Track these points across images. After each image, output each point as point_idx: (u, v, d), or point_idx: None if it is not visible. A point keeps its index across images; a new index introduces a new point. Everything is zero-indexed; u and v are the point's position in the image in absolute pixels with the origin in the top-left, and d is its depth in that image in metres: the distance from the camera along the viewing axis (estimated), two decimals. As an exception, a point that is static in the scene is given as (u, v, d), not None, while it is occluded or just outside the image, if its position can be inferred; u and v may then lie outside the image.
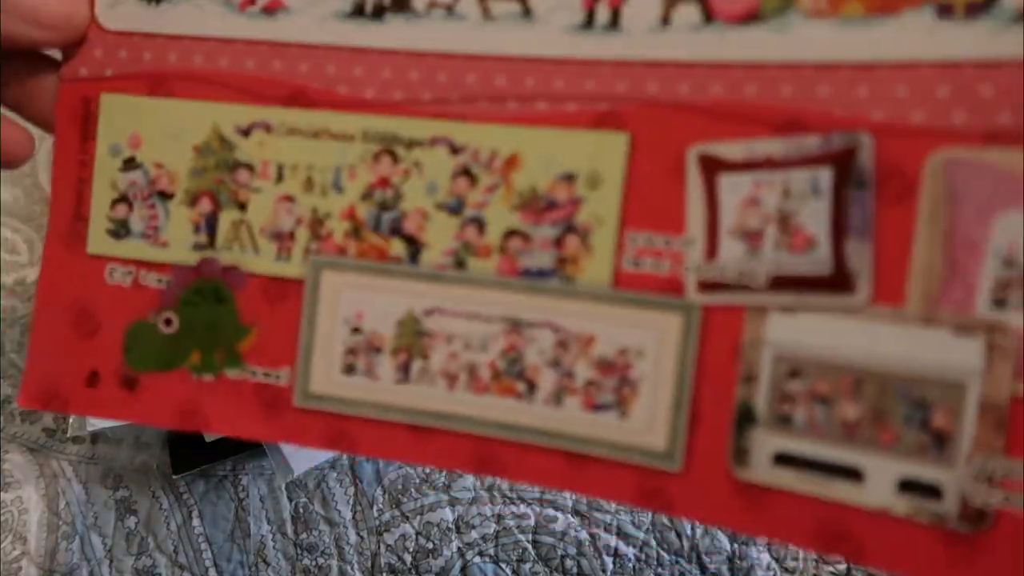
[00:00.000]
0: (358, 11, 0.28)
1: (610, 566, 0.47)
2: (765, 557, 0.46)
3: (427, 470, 0.49)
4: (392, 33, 0.28)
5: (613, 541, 0.47)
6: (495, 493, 0.48)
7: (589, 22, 0.26)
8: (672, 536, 0.47)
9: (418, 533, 0.48)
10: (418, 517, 0.48)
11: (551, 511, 0.47)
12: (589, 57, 0.26)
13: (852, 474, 0.24)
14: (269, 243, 0.28)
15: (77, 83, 0.30)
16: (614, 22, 0.26)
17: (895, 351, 0.24)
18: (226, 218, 0.29)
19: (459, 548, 0.47)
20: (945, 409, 0.23)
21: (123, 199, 0.29)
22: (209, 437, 0.46)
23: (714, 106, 0.25)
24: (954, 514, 0.23)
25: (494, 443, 0.27)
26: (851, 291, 0.24)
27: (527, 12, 0.27)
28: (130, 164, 0.29)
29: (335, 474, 0.49)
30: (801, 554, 0.47)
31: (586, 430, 0.26)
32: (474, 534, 0.48)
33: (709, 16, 0.25)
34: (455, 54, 0.27)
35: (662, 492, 0.26)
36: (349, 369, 0.28)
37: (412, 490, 0.48)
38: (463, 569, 0.47)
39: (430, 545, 0.48)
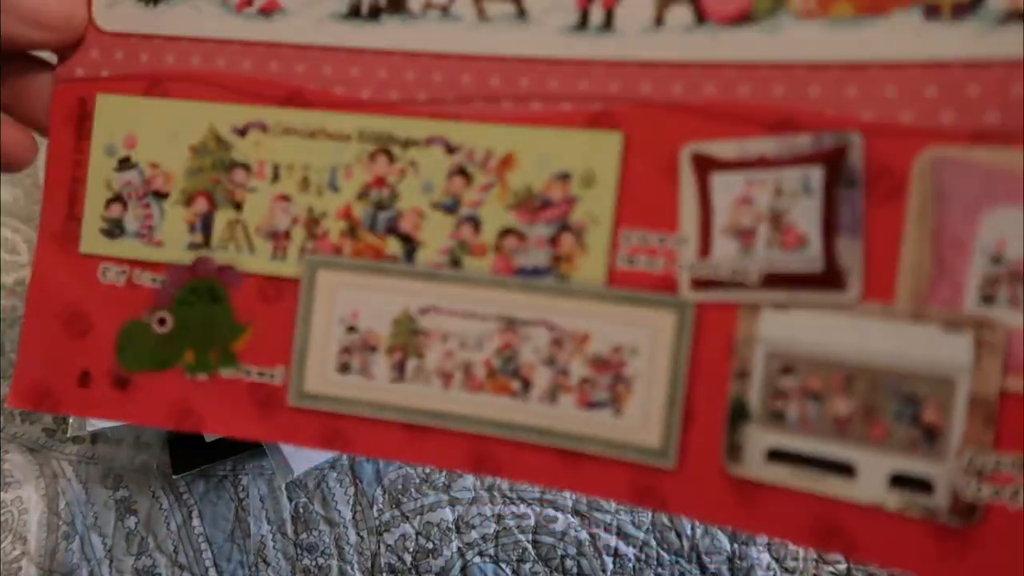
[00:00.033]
0: (354, 12, 0.28)
1: (610, 566, 0.47)
2: (765, 557, 0.46)
3: (427, 470, 0.49)
4: (388, 34, 0.28)
5: (613, 541, 0.47)
6: (495, 493, 0.48)
7: (583, 23, 0.26)
8: (672, 536, 0.47)
9: (418, 533, 0.48)
10: (418, 517, 0.48)
11: (551, 511, 0.47)
12: (583, 57, 0.26)
13: (844, 469, 0.24)
14: (265, 242, 0.28)
15: (73, 83, 0.30)
16: (608, 23, 0.26)
17: (885, 347, 0.24)
18: (222, 218, 0.29)
19: (459, 548, 0.48)
20: (935, 404, 0.24)
21: (118, 199, 0.30)
22: (209, 437, 0.46)
23: (707, 106, 0.25)
24: (945, 508, 0.24)
25: (489, 442, 0.27)
26: (842, 288, 0.24)
27: (522, 13, 0.27)
28: (125, 164, 0.29)
29: (335, 474, 0.49)
30: (801, 554, 0.47)
31: (580, 428, 0.26)
32: (474, 534, 0.48)
33: (702, 17, 0.25)
34: (450, 55, 0.27)
35: (656, 489, 0.26)
36: (344, 368, 0.28)
37: (412, 490, 0.48)
38: (463, 569, 0.47)
39: (430, 545, 0.48)
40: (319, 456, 0.46)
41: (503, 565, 0.47)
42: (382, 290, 0.28)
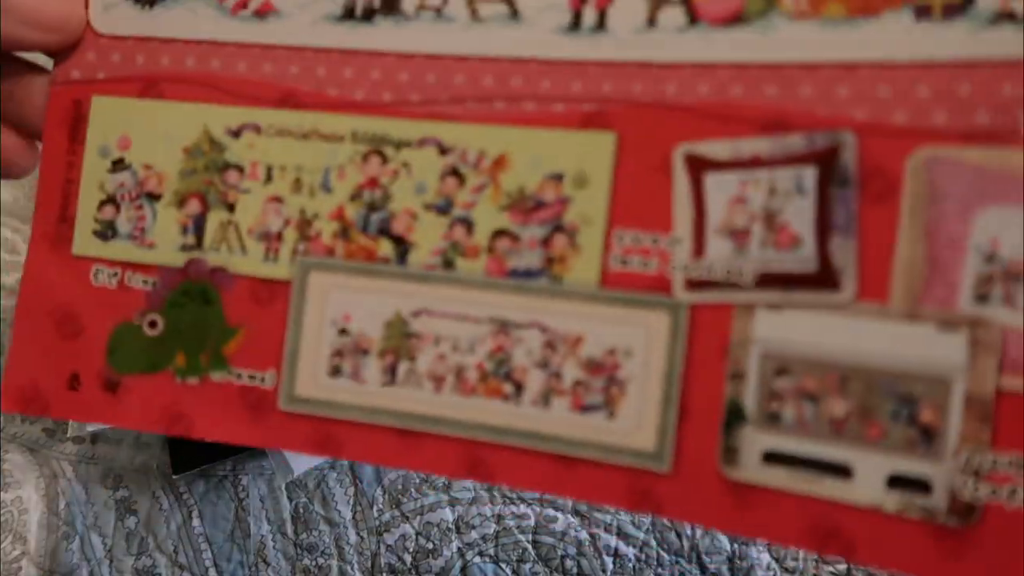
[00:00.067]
0: (348, 14, 0.28)
1: (610, 566, 0.47)
2: (765, 557, 0.46)
3: (425, 470, 0.48)
4: (382, 35, 0.28)
5: (613, 541, 0.47)
6: (495, 493, 0.48)
7: (576, 24, 0.26)
8: (672, 536, 0.47)
9: (418, 533, 0.48)
10: (418, 517, 0.48)
11: (551, 511, 0.47)
12: (576, 58, 0.26)
13: (841, 471, 0.24)
14: (257, 244, 0.28)
15: (69, 86, 0.30)
16: (600, 24, 0.26)
17: (881, 347, 0.24)
18: (214, 219, 0.29)
19: (459, 548, 0.48)
20: (931, 404, 0.24)
21: (110, 200, 0.30)
22: (208, 438, 0.46)
23: (700, 106, 0.25)
24: (943, 508, 0.23)
25: (483, 447, 0.27)
26: (836, 288, 0.24)
27: (515, 14, 0.27)
28: (119, 165, 0.29)
29: (335, 474, 0.49)
30: (801, 554, 0.46)
31: (574, 432, 0.26)
32: (474, 534, 0.48)
33: (694, 18, 0.25)
34: (444, 55, 0.27)
35: (651, 493, 0.26)
36: (335, 371, 0.28)
37: (412, 490, 0.48)
38: (463, 569, 0.47)
39: (430, 545, 0.48)
40: (319, 457, 0.46)
41: (503, 565, 0.47)
42: (374, 292, 0.28)
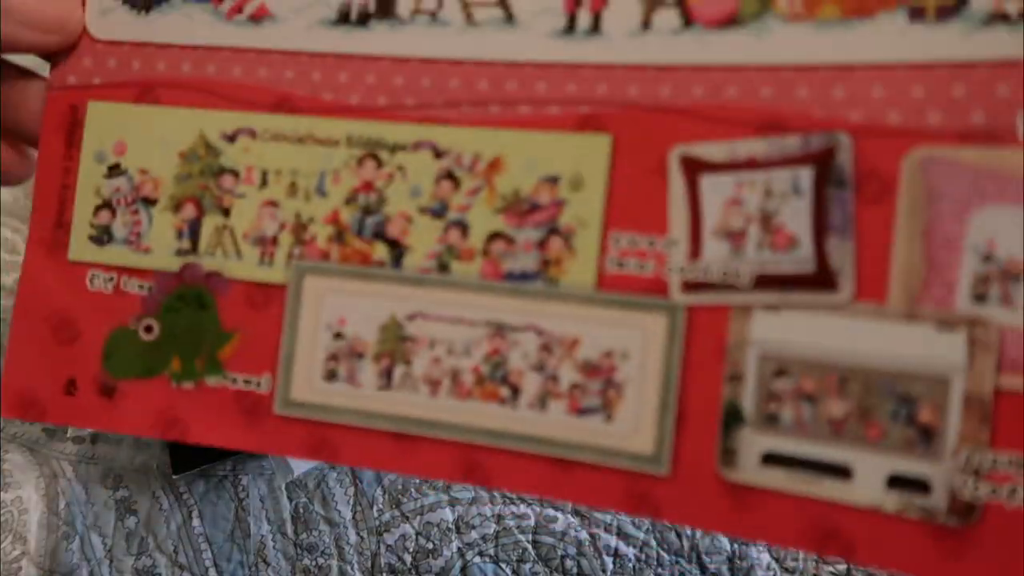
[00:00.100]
0: (343, 18, 0.28)
1: (610, 566, 0.47)
2: (765, 557, 0.46)
3: (426, 470, 0.48)
4: (377, 40, 0.28)
5: (613, 541, 0.47)
6: (495, 493, 0.48)
7: (571, 27, 0.26)
8: (672, 536, 0.47)
9: (418, 533, 0.48)
10: (418, 517, 0.48)
11: (551, 511, 0.47)
12: (571, 61, 0.26)
13: (841, 472, 0.24)
14: (252, 248, 0.28)
15: (65, 91, 0.30)
16: (595, 27, 0.26)
17: (879, 347, 0.24)
18: (209, 223, 0.29)
19: (459, 548, 0.48)
20: (930, 404, 0.24)
21: (106, 205, 0.30)
22: (207, 439, 0.46)
23: (695, 108, 0.25)
24: (943, 508, 0.23)
25: (479, 451, 0.27)
26: (834, 289, 0.24)
27: (510, 18, 0.27)
28: (115, 171, 0.29)
29: (335, 474, 0.49)
30: (801, 554, 0.46)
31: (571, 435, 0.26)
32: (474, 534, 0.48)
33: (688, 20, 0.25)
34: (439, 59, 0.27)
35: (650, 496, 0.26)
36: (330, 375, 0.28)
37: (412, 490, 0.48)
38: (463, 569, 0.47)
39: (430, 545, 0.48)
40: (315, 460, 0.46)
41: (503, 565, 0.47)
42: (369, 296, 0.28)
